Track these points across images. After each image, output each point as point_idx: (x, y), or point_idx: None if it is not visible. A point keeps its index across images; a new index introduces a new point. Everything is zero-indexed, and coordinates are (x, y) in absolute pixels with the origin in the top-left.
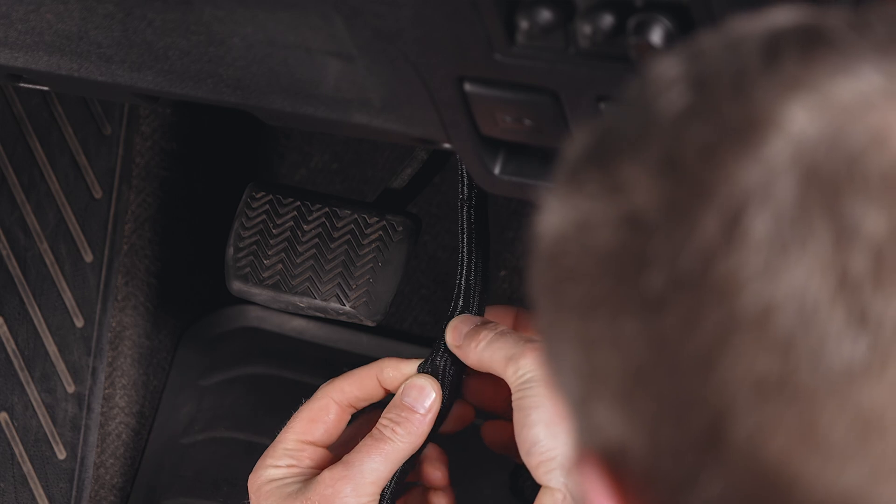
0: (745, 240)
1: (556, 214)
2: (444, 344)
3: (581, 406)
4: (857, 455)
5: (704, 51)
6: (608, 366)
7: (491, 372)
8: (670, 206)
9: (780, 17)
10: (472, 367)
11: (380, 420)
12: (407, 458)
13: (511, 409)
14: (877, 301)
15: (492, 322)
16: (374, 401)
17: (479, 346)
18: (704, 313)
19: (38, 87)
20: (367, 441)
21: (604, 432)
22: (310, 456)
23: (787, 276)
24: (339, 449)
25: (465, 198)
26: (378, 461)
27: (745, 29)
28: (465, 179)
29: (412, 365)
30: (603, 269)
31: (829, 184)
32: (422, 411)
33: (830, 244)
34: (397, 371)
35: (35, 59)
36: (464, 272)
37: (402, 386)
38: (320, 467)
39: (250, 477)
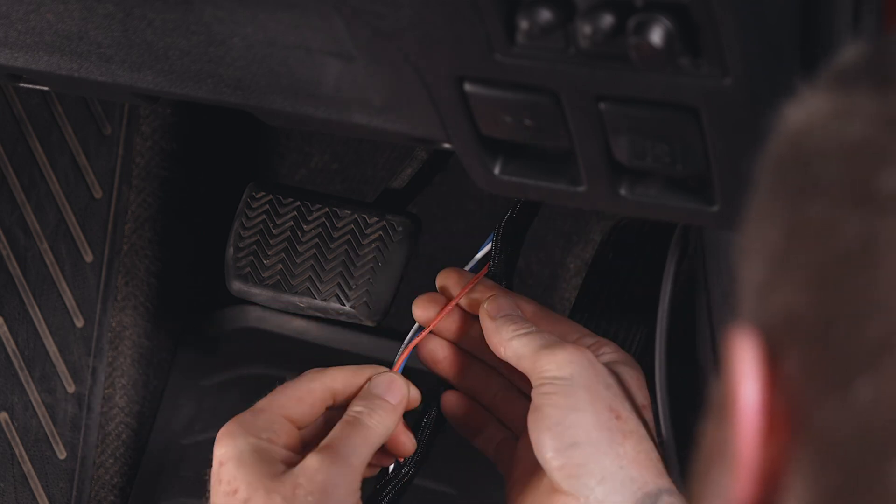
0: None
1: (812, 105)
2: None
3: (762, 288)
4: None
5: None
6: (811, 250)
7: (515, 362)
8: None
9: None
10: (496, 352)
11: (351, 407)
12: (380, 445)
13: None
14: None
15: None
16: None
17: (515, 334)
18: None
19: (38, 87)
20: (345, 427)
21: (780, 314)
22: (287, 433)
23: None
24: (308, 433)
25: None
26: (361, 446)
27: None
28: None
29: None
30: (842, 156)
31: None
32: (393, 402)
33: None
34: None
35: (35, 59)
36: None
37: (372, 379)
38: (292, 448)
39: (223, 434)
